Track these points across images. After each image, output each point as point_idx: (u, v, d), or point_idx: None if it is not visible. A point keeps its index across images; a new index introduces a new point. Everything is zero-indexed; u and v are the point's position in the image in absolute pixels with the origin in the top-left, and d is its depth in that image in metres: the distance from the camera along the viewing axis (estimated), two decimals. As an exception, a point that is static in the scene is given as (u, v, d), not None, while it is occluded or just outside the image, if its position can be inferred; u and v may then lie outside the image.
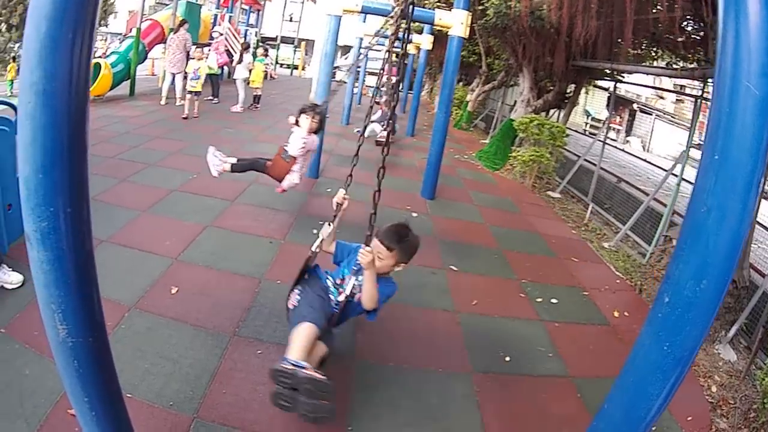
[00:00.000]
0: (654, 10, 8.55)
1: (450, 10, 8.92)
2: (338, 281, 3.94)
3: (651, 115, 38.42)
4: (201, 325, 4.45)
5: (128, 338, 4.11)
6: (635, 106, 38.38)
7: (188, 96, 13.75)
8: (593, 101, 32.75)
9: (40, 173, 1.75)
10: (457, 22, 8.60)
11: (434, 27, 8.09)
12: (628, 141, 36.69)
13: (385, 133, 10.64)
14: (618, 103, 27.73)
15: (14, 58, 22.52)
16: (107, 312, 4.26)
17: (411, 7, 4.16)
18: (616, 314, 6.22)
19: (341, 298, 3.78)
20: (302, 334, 3.36)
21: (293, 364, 3.12)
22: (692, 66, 9.50)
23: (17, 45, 23.36)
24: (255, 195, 8.18)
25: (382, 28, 5.66)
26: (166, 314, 4.51)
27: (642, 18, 8.51)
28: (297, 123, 6.58)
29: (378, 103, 15.34)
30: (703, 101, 8.57)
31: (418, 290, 5.82)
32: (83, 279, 1.98)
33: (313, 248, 3.99)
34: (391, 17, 4.49)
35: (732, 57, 1.80)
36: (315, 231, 6.70)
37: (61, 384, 2.20)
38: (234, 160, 6.96)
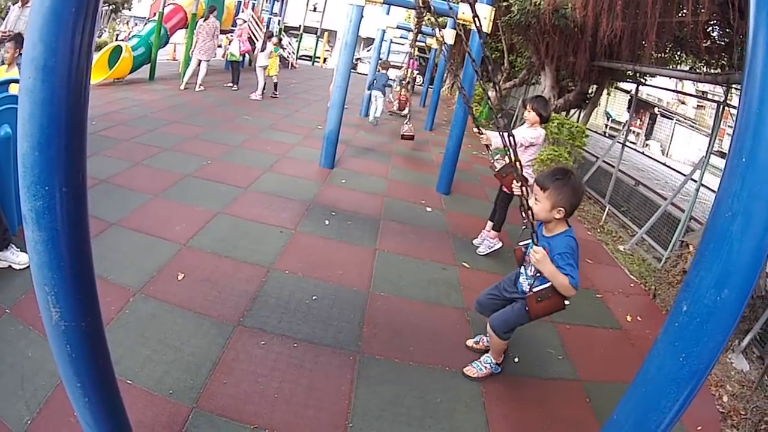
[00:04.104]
0: (679, 14, 8.44)
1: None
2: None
3: (671, 119, 38.29)
4: (205, 313, 4.40)
5: (132, 324, 4.07)
6: (656, 110, 38.23)
7: None
8: (614, 103, 32.62)
9: (36, 151, 1.71)
10: (480, 17, 8.48)
11: (457, 21, 8.00)
12: (647, 144, 36.55)
13: (407, 128, 10.54)
14: (639, 107, 27.57)
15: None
16: (113, 296, 4.27)
17: None
18: (628, 318, 6.13)
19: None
20: None
21: None
22: (715, 71, 9.38)
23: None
24: (268, 183, 8.15)
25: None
26: (172, 301, 4.48)
27: (666, 21, 8.39)
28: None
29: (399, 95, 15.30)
30: (727, 107, 8.42)
31: (428, 285, 5.77)
32: (78, 262, 1.93)
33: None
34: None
35: (763, 57, 1.75)
36: (327, 222, 6.69)
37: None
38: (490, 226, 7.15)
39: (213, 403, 3.44)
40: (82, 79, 1.73)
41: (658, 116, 39.26)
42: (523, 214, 3.75)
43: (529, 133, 6.28)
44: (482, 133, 5.81)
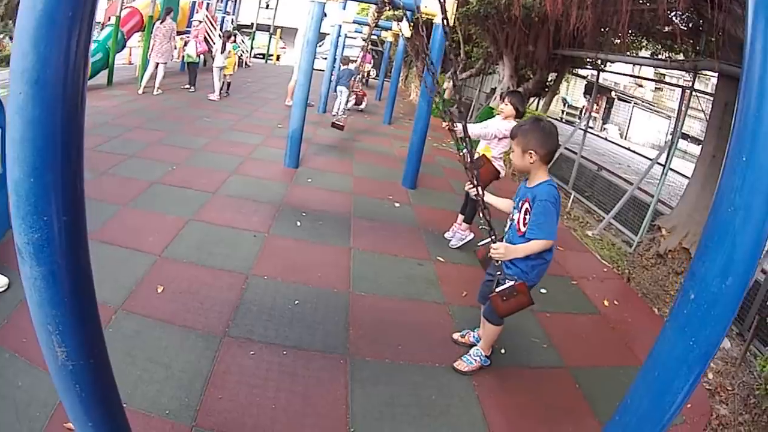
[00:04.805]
0: (643, 2, 8.50)
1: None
2: None
3: (629, 103, 38.77)
4: (190, 325, 4.31)
5: (117, 342, 3.94)
6: (613, 93, 38.66)
7: None
8: (570, 89, 32.91)
9: (32, 177, 1.55)
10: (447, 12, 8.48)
11: (417, 15, 7.98)
12: (605, 128, 37.00)
13: (343, 116, 10.57)
14: (596, 91, 28.08)
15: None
16: (94, 314, 4.12)
17: None
18: (605, 303, 6.23)
19: None
20: None
21: None
22: (681, 58, 9.50)
23: (1, 35, 22.58)
24: (236, 186, 8.06)
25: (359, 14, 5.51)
26: (154, 315, 4.37)
27: (635, 9, 8.45)
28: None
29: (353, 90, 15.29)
30: (694, 93, 8.49)
31: (406, 282, 5.78)
32: (81, 295, 1.81)
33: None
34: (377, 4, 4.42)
35: (761, 59, 1.84)
36: (298, 223, 6.64)
37: (54, 396, 2.07)
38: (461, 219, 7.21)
39: (212, 419, 3.37)
40: (79, 91, 1.58)
41: (615, 100, 39.77)
42: (481, 213, 3.80)
43: (504, 125, 6.31)
44: (455, 127, 5.82)
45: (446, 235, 7.24)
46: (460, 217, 7.12)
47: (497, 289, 3.78)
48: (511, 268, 3.90)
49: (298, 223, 6.88)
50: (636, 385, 2.31)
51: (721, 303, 1.95)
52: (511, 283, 3.72)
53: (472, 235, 7.03)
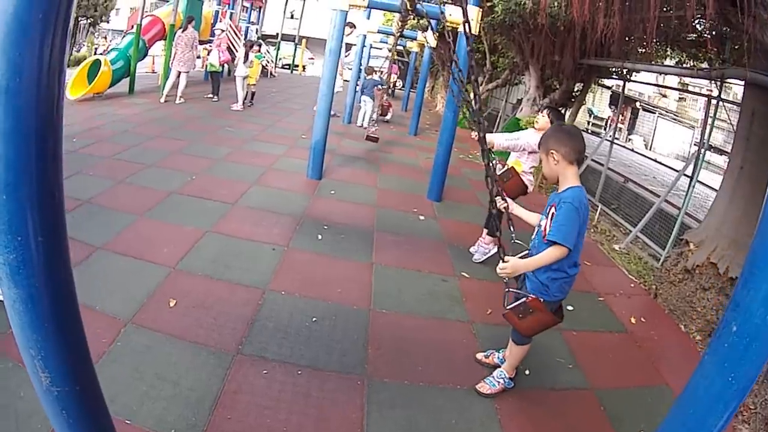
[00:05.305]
0: (668, 9, 8.32)
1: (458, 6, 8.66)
2: None
3: (653, 113, 38.52)
4: (202, 342, 4.20)
5: (125, 357, 3.86)
6: (638, 104, 38.41)
7: None
8: (594, 100, 32.69)
9: (4, 194, 1.43)
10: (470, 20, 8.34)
11: (442, 24, 7.82)
12: (630, 139, 36.76)
13: (374, 128, 10.44)
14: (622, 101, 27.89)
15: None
16: (103, 327, 4.05)
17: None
18: (632, 320, 6.04)
19: None
20: None
21: None
22: (705, 66, 9.29)
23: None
24: (256, 197, 7.96)
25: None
26: (165, 330, 4.26)
27: (661, 16, 8.27)
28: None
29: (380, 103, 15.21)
30: (721, 102, 8.27)
31: (429, 299, 5.62)
32: (64, 320, 1.69)
33: None
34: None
35: None
36: (320, 236, 6.51)
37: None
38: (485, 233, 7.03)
39: (218, 441, 3.24)
40: (54, 98, 1.46)
41: (640, 110, 39.55)
42: (510, 227, 3.86)
43: (534, 138, 6.11)
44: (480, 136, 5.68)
45: (472, 249, 7.07)
46: (485, 231, 6.94)
47: (508, 306, 3.65)
48: (531, 281, 3.79)
49: (319, 237, 6.76)
50: (668, 420, 2.21)
51: (763, 335, 1.81)
52: (523, 299, 3.57)
53: (496, 249, 6.88)
